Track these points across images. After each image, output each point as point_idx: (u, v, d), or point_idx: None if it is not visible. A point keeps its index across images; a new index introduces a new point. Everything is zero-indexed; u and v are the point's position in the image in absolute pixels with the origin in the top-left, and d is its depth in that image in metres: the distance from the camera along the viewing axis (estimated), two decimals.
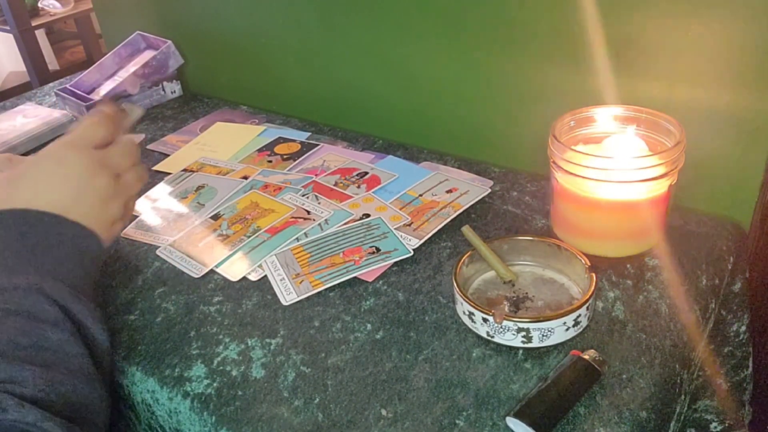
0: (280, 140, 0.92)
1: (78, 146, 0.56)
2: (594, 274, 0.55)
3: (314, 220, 0.72)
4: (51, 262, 0.51)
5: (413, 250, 0.66)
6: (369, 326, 0.58)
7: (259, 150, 0.90)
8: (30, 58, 2.40)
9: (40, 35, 2.69)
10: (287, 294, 0.62)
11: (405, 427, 0.48)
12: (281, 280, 0.64)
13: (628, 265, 0.63)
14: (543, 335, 0.52)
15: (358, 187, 0.78)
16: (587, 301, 0.53)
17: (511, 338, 0.53)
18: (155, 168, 0.89)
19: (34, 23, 2.42)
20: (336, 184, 0.79)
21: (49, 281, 0.49)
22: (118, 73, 1.13)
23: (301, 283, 0.63)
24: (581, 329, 0.55)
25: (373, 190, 0.77)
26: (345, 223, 0.71)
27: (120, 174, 0.57)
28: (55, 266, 0.51)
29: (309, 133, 0.94)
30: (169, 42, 1.09)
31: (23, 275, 0.49)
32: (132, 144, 0.59)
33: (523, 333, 0.52)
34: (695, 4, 0.62)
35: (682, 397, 0.55)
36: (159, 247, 0.71)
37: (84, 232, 0.53)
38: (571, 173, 0.59)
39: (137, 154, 0.60)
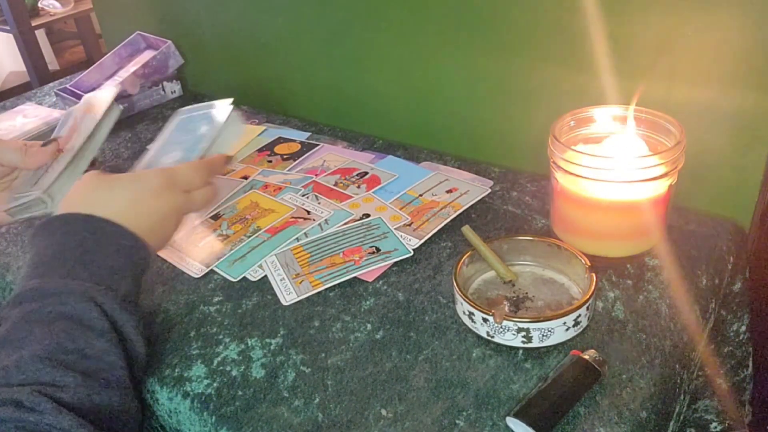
0: (280, 140, 0.92)
1: (173, 184, 0.58)
2: (594, 274, 0.55)
3: (314, 220, 0.72)
4: (106, 270, 0.52)
5: (413, 250, 0.66)
6: (369, 326, 0.58)
7: (259, 150, 0.90)
8: (30, 58, 2.40)
9: (40, 35, 2.69)
10: (287, 294, 0.62)
11: (405, 427, 0.48)
12: (281, 280, 0.64)
13: (628, 265, 0.63)
14: (543, 335, 0.52)
15: (358, 187, 0.78)
16: (587, 301, 0.53)
17: (511, 338, 0.53)
18: None
19: (34, 23, 2.42)
20: (336, 184, 0.79)
21: (102, 290, 0.50)
22: (118, 73, 1.13)
23: (301, 283, 0.63)
24: (581, 329, 0.55)
25: (373, 190, 0.77)
26: (345, 223, 0.71)
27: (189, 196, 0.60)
28: (110, 275, 0.52)
29: (309, 133, 0.94)
30: (169, 42, 1.09)
31: (79, 280, 0.50)
32: (214, 191, 0.62)
33: (523, 333, 0.52)
34: (695, 4, 0.62)
35: (682, 397, 0.55)
36: None
37: (139, 244, 0.54)
38: (571, 173, 0.59)
39: (216, 199, 0.64)
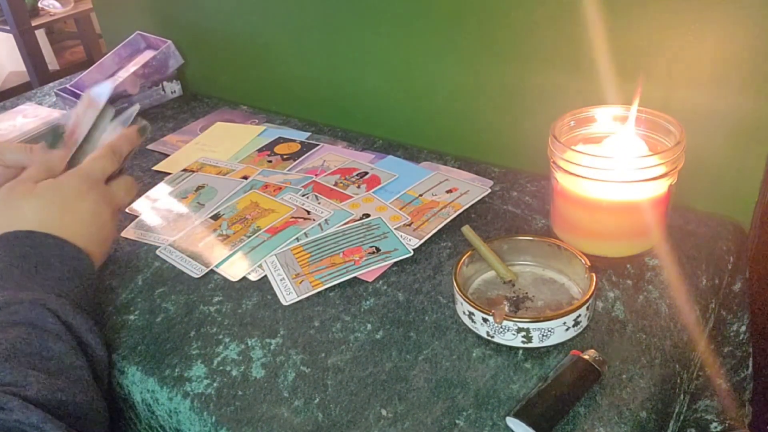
0: (280, 140, 0.92)
1: (91, 180, 0.60)
2: (594, 274, 0.55)
3: (314, 220, 0.72)
4: (54, 280, 0.53)
5: (413, 250, 0.66)
6: (369, 326, 0.58)
7: (259, 150, 0.90)
8: (30, 58, 2.40)
9: (40, 35, 2.69)
10: (287, 294, 0.62)
11: (405, 427, 0.48)
12: (281, 280, 0.64)
13: (628, 265, 0.63)
14: (543, 335, 0.52)
15: (358, 187, 0.78)
16: (587, 301, 0.53)
17: (511, 338, 0.53)
18: (155, 168, 0.89)
19: (34, 23, 2.42)
20: (336, 184, 0.79)
21: (53, 297, 0.51)
22: (118, 73, 1.13)
23: (301, 283, 0.63)
24: (581, 329, 0.55)
25: (373, 190, 0.77)
26: (345, 223, 0.71)
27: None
28: (58, 284, 0.53)
29: (309, 133, 0.94)
30: (169, 42, 1.09)
31: (29, 291, 0.51)
32: (132, 181, 0.66)
33: (523, 333, 0.52)
34: (695, 6, 0.62)
35: (682, 397, 0.55)
36: (159, 247, 0.71)
37: (81, 255, 0.56)
38: (571, 173, 0.59)
39: (136, 188, 0.67)
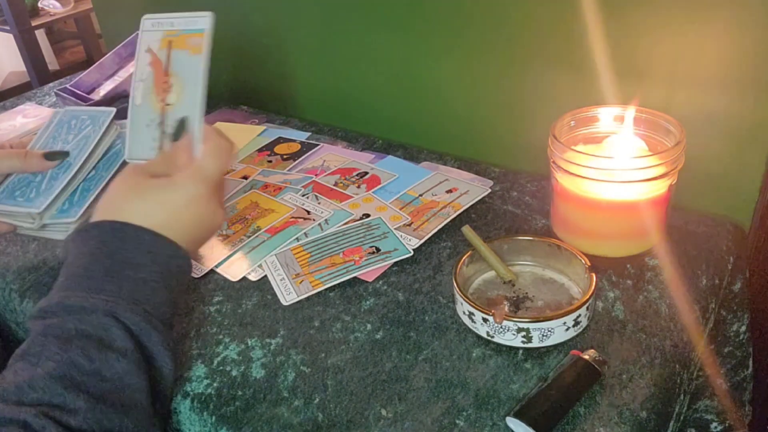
0: (280, 140, 0.92)
1: (210, 186, 0.54)
2: (594, 274, 0.55)
3: (314, 220, 0.72)
4: (137, 283, 0.49)
5: (413, 250, 0.66)
6: (369, 326, 0.58)
7: (259, 150, 0.90)
8: (30, 58, 2.40)
9: (40, 35, 2.69)
10: (287, 294, 0.62)
11: (405, 427, 0.48)
12: (281, 280, 0.64)
13: (628, 265, 0.63)
14: (543, 335, 0.52)
15: (358, 187, 0.78)
16: (587, 301, 0.53)
17: (511, 338, 0.53)
18: None
19: (34, 23, 2.42)
20: (336, 184, 0.79)
21: (127, 305, 0.48)
22: (118, 73, 1.13)
23: (301, 283, 0.63)
24: (581, 329, 0.55)
25: (373, 190, 0.77)
26: (345, 223, 0.71)
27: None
28: (140, 288, 0.49)
29: (309, 133, 0.94)
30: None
31: (105, 294, 0.48)
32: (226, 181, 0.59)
33: (523, 333, 0.52)
34: (695, 6, 0.62)
35: (682, 397, 0.55)
36: None
37: (179, 253, 0.52)
38: (571, 173, 0.59)
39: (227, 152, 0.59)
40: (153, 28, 0.64)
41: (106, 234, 0.51)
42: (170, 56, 0.63)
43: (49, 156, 0.65)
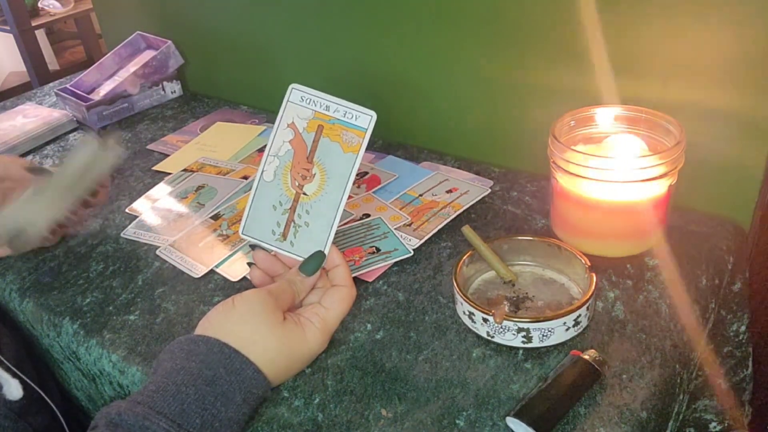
0: None
1: (332, 333, 0.55)
2: (594, 274, 0.55)
3: None
4: (221, 422, 0.47)
5: (413, 250, 0.66)
6: (369, 326, 0.58)
7: (259, 150, 0.90)
8: (30, 58, 2.40)
9: (40, 35, 2.69)
10: None
11: (405, 427, 0.48)
12: None
13: (628, 265, 0.63)
14: (543, 335, 0.52)
15: (358, 187, 0.78)
16: (587, 301, 0.53)
17: (511, 338, 0.53)
18: (155, 168, 0.89)
19: (34, 23, 2.42)
20: None
21: None
22: (118, 73, 1.13)
23: None
24: (581, 329, 0.55)
25: (373, 190, 0.77)
26: (345, 223, 0.71)
27: None
28: (222, 426, 0.47)
29: None
30: (169, 42, 1.09)
31: (183, 429, 0.45)
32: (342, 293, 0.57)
33: (523, 333, 0.52)
34: (695, 6, 0.62)
35: (682, 397, 0.55)
36: (159, 247, 0.71)
37: (268, 392, 0.51)
38: (571, 173, 0.59)
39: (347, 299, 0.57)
40: (301, 103, 0.57)
41: (213, 354, 0.48)
42: (318, 143, 0.56)
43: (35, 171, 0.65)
